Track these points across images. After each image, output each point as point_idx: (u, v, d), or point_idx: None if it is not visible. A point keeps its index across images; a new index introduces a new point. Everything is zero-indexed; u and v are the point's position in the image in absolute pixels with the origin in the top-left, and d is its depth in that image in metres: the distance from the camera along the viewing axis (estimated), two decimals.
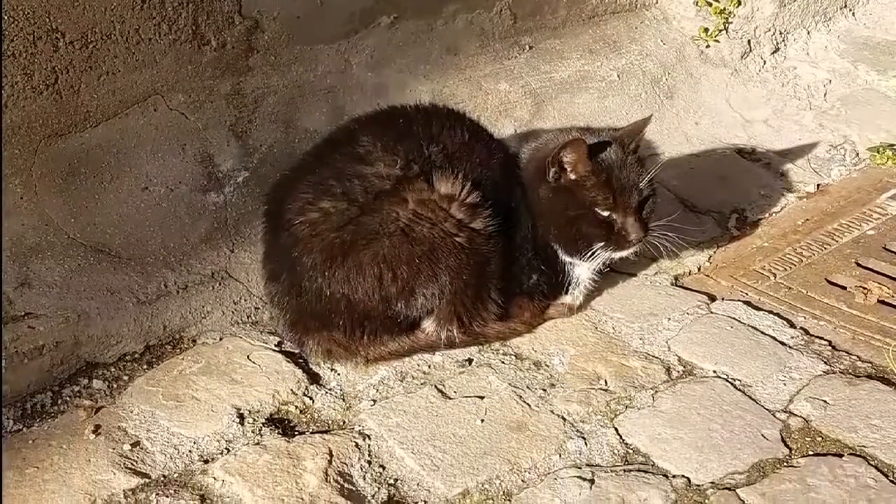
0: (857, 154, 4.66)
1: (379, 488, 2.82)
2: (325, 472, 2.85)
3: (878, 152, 4.59)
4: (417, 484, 2.84)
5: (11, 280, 3.26)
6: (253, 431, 3.02)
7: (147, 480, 2.83)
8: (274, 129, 3.92)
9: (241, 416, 3.06)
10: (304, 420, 3.11)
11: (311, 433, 3.03)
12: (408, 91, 4.21)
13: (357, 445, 2.96)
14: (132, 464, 2.89)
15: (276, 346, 3.39)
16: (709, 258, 3.93)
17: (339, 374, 3.28)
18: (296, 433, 3.03)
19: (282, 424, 3.07)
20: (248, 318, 3.53)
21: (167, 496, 2.77)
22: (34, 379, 3.15)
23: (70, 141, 3.46)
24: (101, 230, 3.48)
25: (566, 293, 3.53)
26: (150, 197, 3.60)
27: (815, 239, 4.00)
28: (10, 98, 3.29)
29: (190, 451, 2.95)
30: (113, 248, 3.46)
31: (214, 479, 2.84)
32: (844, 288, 3.69)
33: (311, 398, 3.18)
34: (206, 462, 2.91)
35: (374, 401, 3.16)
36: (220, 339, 3.41)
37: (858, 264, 3.82)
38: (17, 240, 3.32)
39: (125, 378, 3.25)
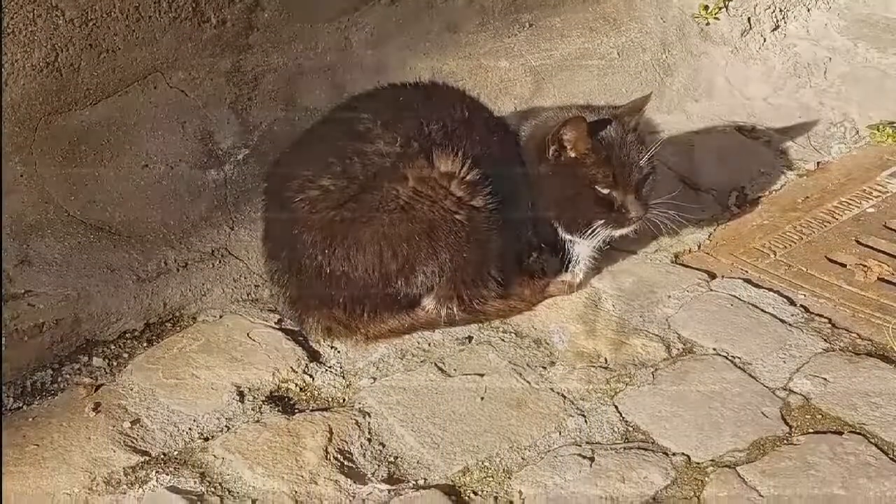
0: (857, 132, 4.66)
1: (379, 466, 2.83)
2: (325, 449, 2.86)
3: (877, 130, 4.58)
4: (417, 461, 2.85)
5: (11, 257, 3.27)
6: (253, 409, 3.03)
7: (147, 458, 2.84)
8: (274, 107, 3.92)
9: (241, 394, 3.07)
10: (304, 398, 3.12)
11: (311, 411, 3.04)
12: (408, 69, 4.20)
13: (357, 423, 2.97)
14: (132, 441, 2.90)
15: (276, 323, 3.40)
16: (709, 236, 3.93)
17: (339, 352, 3.29)
18: (296, 411, 3.04)
19: (282, 402, 3.08)
20: (248, 295, 3.54)
21: (167, 474, 2.79)
22: (34, 356, 3.16)
23: (70, 118, 3.46)
24: (101, 208, 3.48)
25: (566, 271, 3.53)
26: (150, 174, 3.60)
27: (816, 217, 4.00)
28: (10, 76, 3.28)
29: (190, 429, 2.96)
30: (113, 226, 3.47)
31: (214, 456, 2.85)
32: (844, 266, 3.69)
33: (311, 376, 3.19)
34: (206, 440, 2.92)
35: (374, 378, 3.17)
36: (221, 317, 3.43)
37: (858, 242, 3.82)
38: (17, 217, 3.32)
39: (125, 356, 3.26)
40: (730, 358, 3.23)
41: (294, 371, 3.20)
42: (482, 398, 3.06)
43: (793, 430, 2.93)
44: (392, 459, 2.86)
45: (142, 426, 2.95)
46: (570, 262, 3.51)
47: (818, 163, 4.45)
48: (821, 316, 3.43)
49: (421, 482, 2.78)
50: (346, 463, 2.82)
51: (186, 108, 3.72)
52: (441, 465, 2.82)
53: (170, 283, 3.46)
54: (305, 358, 3.25)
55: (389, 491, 2.74)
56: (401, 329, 3.33)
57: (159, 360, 3.22)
